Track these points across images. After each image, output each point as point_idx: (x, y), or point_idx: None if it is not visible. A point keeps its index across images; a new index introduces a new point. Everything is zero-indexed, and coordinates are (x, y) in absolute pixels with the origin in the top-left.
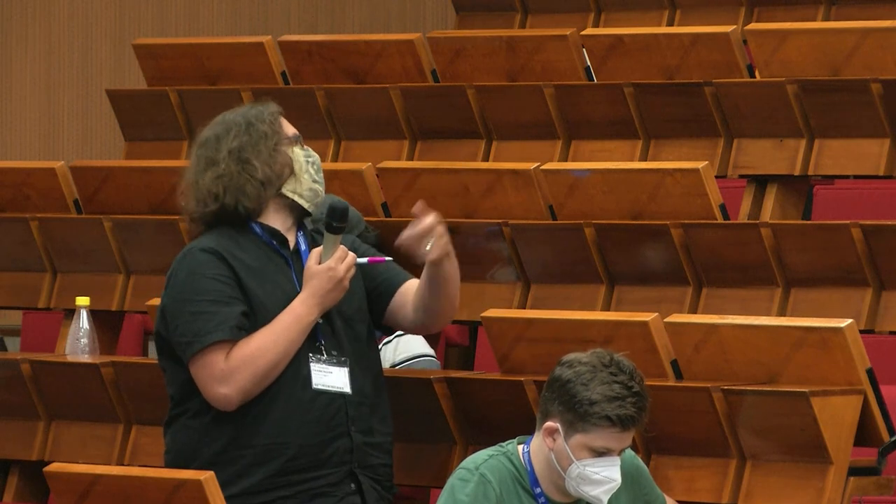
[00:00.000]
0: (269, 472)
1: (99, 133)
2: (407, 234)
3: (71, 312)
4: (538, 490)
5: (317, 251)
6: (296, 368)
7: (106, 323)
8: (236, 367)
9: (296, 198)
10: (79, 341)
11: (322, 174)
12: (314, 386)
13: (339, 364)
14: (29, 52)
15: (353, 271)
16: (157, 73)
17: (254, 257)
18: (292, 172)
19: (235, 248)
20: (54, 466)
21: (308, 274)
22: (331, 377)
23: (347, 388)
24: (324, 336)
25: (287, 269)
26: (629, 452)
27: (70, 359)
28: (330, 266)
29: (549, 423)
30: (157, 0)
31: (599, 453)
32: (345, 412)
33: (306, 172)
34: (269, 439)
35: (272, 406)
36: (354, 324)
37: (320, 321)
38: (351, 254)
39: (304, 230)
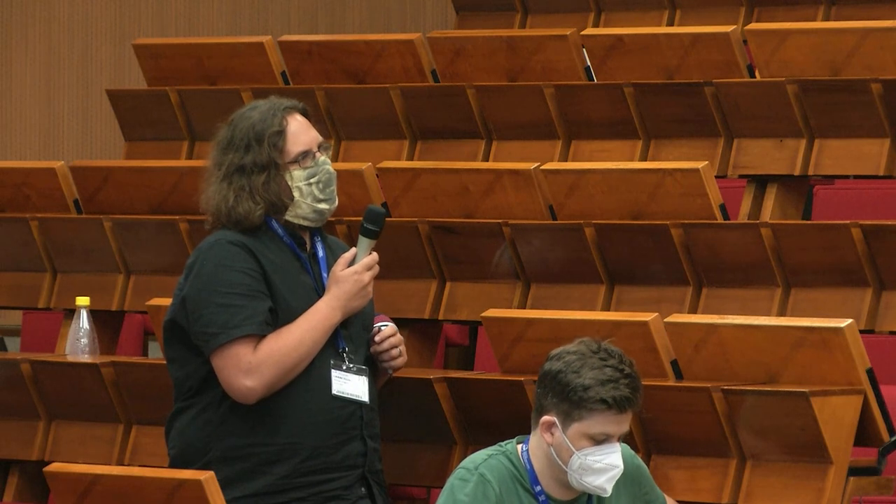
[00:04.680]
0: (283, 472)
1: (99, 133)
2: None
3: (71, 312)
4: (538, 488)
5: (345, 257)
6: (315, 370)
7: (106, 323)
8: (263, 362)
9: (298, 221)
10: (79, 341)
11: (333, 188)
12: (334, 392)
13: (360, 373)
14: (29, 53)
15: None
16: (157, 73)
17: (276, 254)
18: (291, 199)
19: (258, 244)
20: (54, 466)
21: (334, 278)
22: (350, 385)
23: (365, 398)
24: (345, 342)
25: (305, 270)
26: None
27: (70, 359)
28: (356, 271)
29: (545, 418)
30: (157, 0)
31: (598, 441)
32: (359, 416)
33: (309, 196)
34: (284, 438)
35: (290, 405)
36: (367, 331)
37: (341, 328)
38: (377, 267)
39: (321, 235)
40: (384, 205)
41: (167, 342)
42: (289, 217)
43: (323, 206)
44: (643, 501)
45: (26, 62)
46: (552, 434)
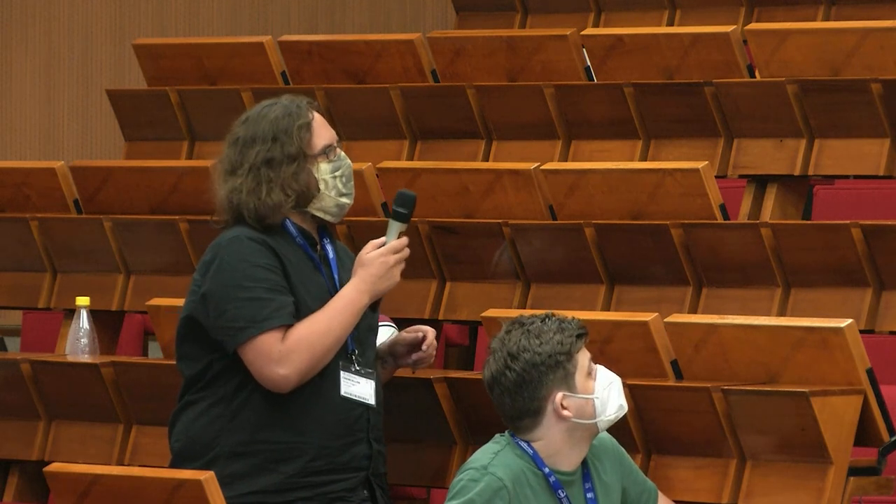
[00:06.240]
0: (290, 471)
1: (99, 133)
2: (409, 340)
3: (71, 312)
4: (547, 470)
5: (373, 242)
6: (326, 371)
7: (106, 323)
8: (293, 349)
9: (320, 214)
10: (79, 341)
11: (352, 182)
12: (342, 393)
13: (368, 376)
14: (29, 52)
15: (402, 266)
16: (157, 73)
17: (291, 253)
18: (317, 191)
19: (273, 242)
20: (54, 466)
21: (360, 262)
22: (358, 387)
23: (372, 400)
24: (355, 344)
25: (318, 271)
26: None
27: (70, 359)
28: (382, 253)
29: (556, 401)
30: (157, 0)
31: (592, 373)
32: (366, 419)
33: (333, 189)
34: (293, 437)
35: (300, 404)
36: (373, 333)
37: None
38: (407, 250)
39: (330, 237)
40: (385, 205)
41: (181, 339)
42: (311, 209)
43: (344, 200)
44: (631, 481)
45: (26, 62)
46: (567, 408)
